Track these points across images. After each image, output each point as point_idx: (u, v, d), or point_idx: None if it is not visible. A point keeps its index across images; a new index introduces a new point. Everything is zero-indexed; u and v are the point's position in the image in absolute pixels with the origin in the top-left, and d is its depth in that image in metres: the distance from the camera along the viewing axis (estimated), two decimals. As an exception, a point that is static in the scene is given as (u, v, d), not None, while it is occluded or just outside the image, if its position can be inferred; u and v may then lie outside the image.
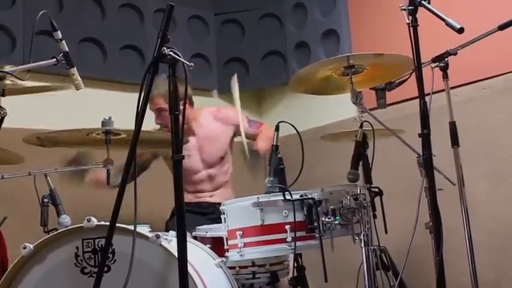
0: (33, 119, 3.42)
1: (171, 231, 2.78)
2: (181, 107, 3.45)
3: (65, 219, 2.80)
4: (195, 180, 3.69)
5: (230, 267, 2.73)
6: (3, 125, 2.65)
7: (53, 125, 3.13)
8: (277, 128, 2.61)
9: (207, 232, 2.90)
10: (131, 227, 1.95)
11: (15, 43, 3.68)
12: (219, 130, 3.73)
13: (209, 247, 2.80)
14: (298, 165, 4.30)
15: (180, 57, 1.85)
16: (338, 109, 3.98)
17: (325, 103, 4.12)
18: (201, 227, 3.00)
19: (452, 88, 3.49)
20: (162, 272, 1.95)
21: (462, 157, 3.31)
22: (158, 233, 2.02)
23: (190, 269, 1.99)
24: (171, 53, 1.85)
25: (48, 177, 2.85)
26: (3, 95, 2.57)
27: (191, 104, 3.60)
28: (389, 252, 3.15)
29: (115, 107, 3.14)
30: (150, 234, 2.01)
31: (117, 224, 1.93)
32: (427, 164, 2.27)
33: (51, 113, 3.54)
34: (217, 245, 2.74)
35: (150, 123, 3.39)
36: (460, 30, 2.13)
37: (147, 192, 3.69)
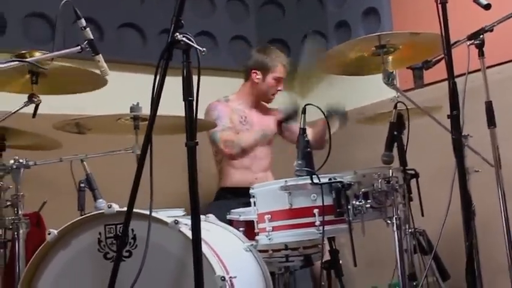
0: (71, 103, 3.43)
1: (210, 215, 2.80)
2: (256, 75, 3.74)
3: (102, 203, 2.84)
4: (245, 158, 3.74)
5: (263, 251, 2.73)
6: (38, 112, 2.73)
7: (96, 110, 3.18)
8: (304, 111, 2.57)
9: (240, 215, 2.89)
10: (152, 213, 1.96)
11: (55, 30, 3.73)
12: (271, 119, 3.84)
13: (243, 230, 2.81)
14: (338, 146, 4.26)
15: (193, 42, 1.85)
16: (379, 89, 3.88)
17: (367, 83, 4.02)
18: (234, 210, 2.99)
19: (494, 66, 3.40)
20: (182, 258, 1.95)
21: (506, 137, 3.20)
22: (177, 218, 2.02)
23: (209, 253, 2.00)
24: (184, 38, 1.84)
25: (84, 163, 2.91)
26: (36, 82, 2.63)
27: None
28: (428, 235, 3.10)
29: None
30: (169, 220, 2.01)
31: (136, 210, 1.96)
32: (456, 145, 2.20)
33: (93, 98, 3.57)
34: (250, 229, 2.73)
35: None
36: (487, 7, 2.05)
37: (185, 175, 3.73)
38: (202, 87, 4.37)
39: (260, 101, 3.86)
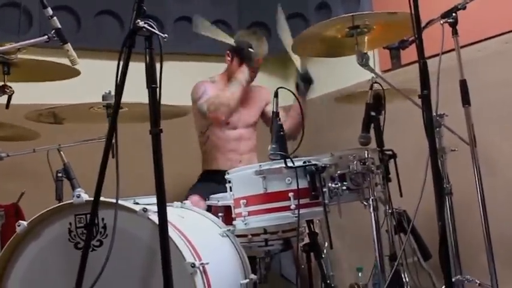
0: (49, 93, 3.41)
1: (187, 202, 2.78)
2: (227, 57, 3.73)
3: (80, 192, 2.83)
4: (230, 138, 3.74)
5: (242, 235, 2.73)
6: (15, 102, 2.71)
7: (76, 99, 3.16)
8: (276, 95, 2.56)
9: (218, 201, 2.89)
10: (120, 201, 1.96)
11: (32, 20, 3.70)
12: (256, 99, 3.87)
13: (222, 216, 2.80)
14: (321, 128, 4.25)
15: (154, 29, 1.83)
16: (360, 70, 3.88)
17: (348, 64, 4.02)
18: (214, 195, 2.99)
19: (473, 44, 3.39)
20: (152, 245, 1.94)
21: (487, 114, 3.19)
22: (146, 206, 2.01)
23: (179, 240, 2.00)
24: (145, 25, 1.83)
25: (61, 152, 2.90)
26: (8, 73, 2.61)
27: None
28: (409, 215, 3.09)
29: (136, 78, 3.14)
30: (137, 208, 2.01)
31: (104, 199, 1.95)
32: (428, 125, 2.19)
33: (72, 87, 3.54)
34: (229, 214, 2.73)
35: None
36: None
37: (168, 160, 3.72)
38: (184, 73, 4.35)
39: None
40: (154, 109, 1.81)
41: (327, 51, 2.98)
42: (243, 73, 3.65)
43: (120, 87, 1.85)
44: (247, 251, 2.67)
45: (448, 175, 2.83)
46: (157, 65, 1.86)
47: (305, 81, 3.54)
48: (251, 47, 3.63)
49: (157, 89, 1.82)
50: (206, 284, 2.01)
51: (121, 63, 1.92)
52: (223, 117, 3.60)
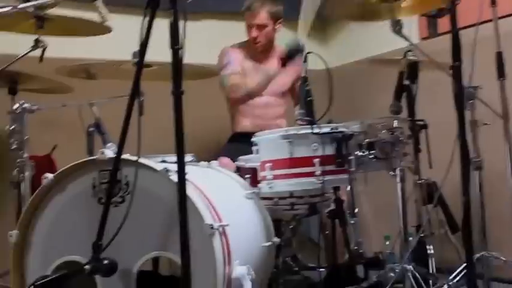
0: (82, 48, 3.42)
1: (213, 162, 2.78)
2: (277, 26, 3.67)
3: (111, 147, 2.86)
4: (256, 105, 3.70)
5: (268, 198, 2.72)
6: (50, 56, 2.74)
7: (109, 54, 3.16)
8: (305, 60, 2.53)
9: (246, 162, 2.89)
10: (142, 160, 1.98)
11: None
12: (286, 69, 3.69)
13: (249, 177, 2.80)
14: (359, 93, 4.19)
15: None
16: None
17: (388, 30, 3.94)
18: (243, 157, 2.99)
19: None
20: (172, 205, 1.93)
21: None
22: (168, 166, 2.02)
23: (200, 202, 2.01)
24: (170, -14, 1.82)
25: (93, 107, 2.92)
26: (42, 27, 2.63)
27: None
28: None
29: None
30: (159, 167, 2.02)
31: (127, 156, 1.98)
32: (458, 96, 2.14)
33: (105, 43, 3.53)
34: (256, 176, 2.73)
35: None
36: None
37: (196, 121, 3.73)
38: (217, 33, 4.29)
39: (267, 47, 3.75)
40: (177, 70, 1.80)
41: (361, 15, 2.92)
42: (273, 69, 3.62)
43: (143, 46, 1.85)
44: (273, 214, 2.67)
45: (479, 149, 2.77)
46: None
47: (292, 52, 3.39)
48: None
49: (180, 50, 1.81)
50: (225, 246, 2.02)
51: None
52: (241, 101, 3.64)
